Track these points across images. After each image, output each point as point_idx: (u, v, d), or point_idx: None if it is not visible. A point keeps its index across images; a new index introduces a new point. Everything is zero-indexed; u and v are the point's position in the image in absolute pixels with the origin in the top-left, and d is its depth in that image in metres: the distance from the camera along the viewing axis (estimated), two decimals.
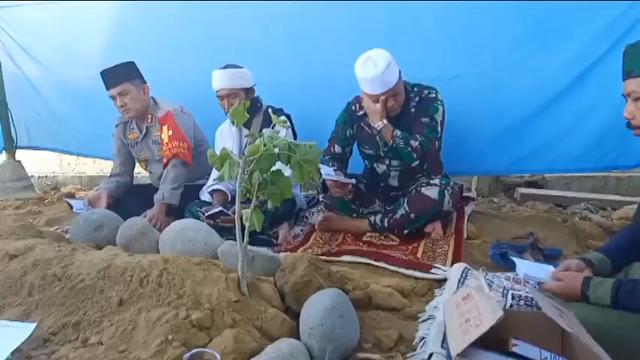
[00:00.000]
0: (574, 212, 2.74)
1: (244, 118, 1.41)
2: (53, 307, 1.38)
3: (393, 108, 2.21)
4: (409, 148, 2.16)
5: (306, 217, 2.68)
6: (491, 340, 0.98)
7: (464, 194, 2.68)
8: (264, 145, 1.27)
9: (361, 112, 2.39)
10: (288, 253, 2.00)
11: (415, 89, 2.31)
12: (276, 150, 1.27)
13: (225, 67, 2.50)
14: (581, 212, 2.73)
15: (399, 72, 2.19)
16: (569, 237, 2.28)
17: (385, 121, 2.19)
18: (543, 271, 1.46)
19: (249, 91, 2.53)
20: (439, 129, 2.23)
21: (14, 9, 3.52)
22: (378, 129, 2.21)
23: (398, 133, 2.19)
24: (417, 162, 2.20)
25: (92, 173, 4.43)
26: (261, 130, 1.33)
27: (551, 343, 1.05)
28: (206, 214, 2.29)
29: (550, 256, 1.97)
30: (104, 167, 4.29)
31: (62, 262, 1.52)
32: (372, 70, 2.08)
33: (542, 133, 2.54)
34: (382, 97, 2.16)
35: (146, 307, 1.31)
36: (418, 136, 2.18)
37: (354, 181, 2.30)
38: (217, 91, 2.50)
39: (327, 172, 2.20)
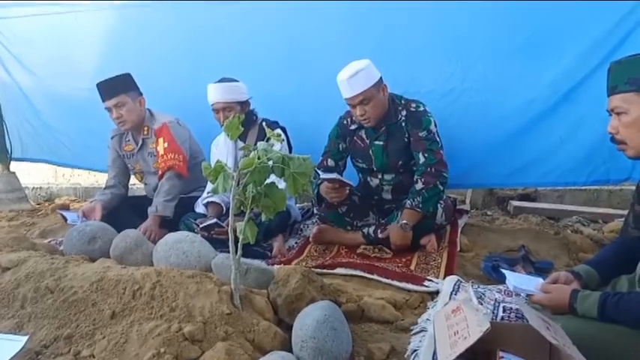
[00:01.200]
0: (566, 225, 2.77)
1: (239, 131, 1.43)
2: (46, 320, 1.38)
3: (364, 117, 2.22)
4: (431, 194, 2.18)
5: (301, 230, 2.70)
6: (479, 352, 0.99)
7: (458, 207, 2.71)
8: (258, 158, 1.28)
9: (353, 126, 2.42)
10: (281, 265, 2.01)
11: (402, 101, 2.34)
12: (270, 163, 1.29)
13: (220, 81, 2.52)
14: (573, 225, 2.75)
15: (384, 86, 2.22)
16: (560, 250, 2.30)
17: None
18: (532, 284, 1.47)
19: (244, 104, 2.55)
20: (438, 139, 2.26)
21: (8, 20, 3.52)
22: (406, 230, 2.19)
23: (415, 205, 2.17)
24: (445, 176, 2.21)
25: (87, 185, 4.42)
26: (256, 143, 1.35)
27: (539, 355, 1.07)
28: (200, 226, 2.30)
29: (541, 269, 1.99)
30: (99, 179, 4.28)
31: (55, 275, 1.52)
32: (341, 74, 2.16)
33: (535, 147, 2.57)
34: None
35: (138, 320, 1.31)
36: (418, 176, 2.20)
37: (352, 183, 2.31)
38: (213, 105, 2.52)
39: (326, 174, 2.25)
